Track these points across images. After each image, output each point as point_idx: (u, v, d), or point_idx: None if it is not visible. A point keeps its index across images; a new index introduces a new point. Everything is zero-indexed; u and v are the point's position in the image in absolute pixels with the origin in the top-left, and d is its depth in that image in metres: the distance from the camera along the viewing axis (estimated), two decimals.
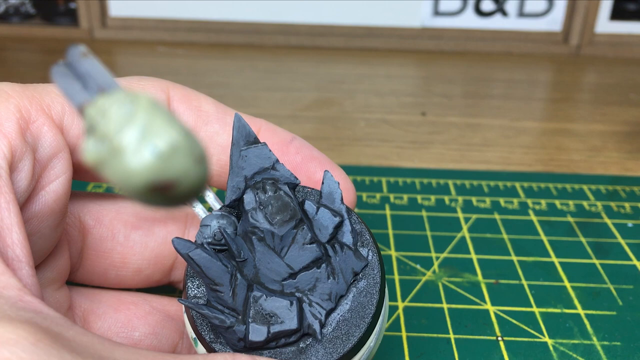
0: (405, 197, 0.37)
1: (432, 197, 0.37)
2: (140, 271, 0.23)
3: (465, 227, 0.34)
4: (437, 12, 0.66)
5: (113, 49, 0.66)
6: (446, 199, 0.37)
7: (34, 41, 0.67)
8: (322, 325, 0.18)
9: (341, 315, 0.18)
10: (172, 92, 0.21)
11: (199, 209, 0.19)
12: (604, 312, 0.28)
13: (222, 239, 0.18)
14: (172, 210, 0.23)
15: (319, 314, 0.18)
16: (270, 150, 0.19)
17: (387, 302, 0.20)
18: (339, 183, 0.19)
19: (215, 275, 0.18)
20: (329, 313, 0.18)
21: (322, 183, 0.19)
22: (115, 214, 0.22)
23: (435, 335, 0.26)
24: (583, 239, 0.33)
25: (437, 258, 0.31)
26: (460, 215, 0.35)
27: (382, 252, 0.31)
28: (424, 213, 0.35)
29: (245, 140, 0.19)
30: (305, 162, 0.22)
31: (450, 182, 0.39)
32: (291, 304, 0.18)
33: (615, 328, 0.27)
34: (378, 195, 0.37)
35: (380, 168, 0.41)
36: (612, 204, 0.37)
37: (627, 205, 0.37)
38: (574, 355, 0.25)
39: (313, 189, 0.20)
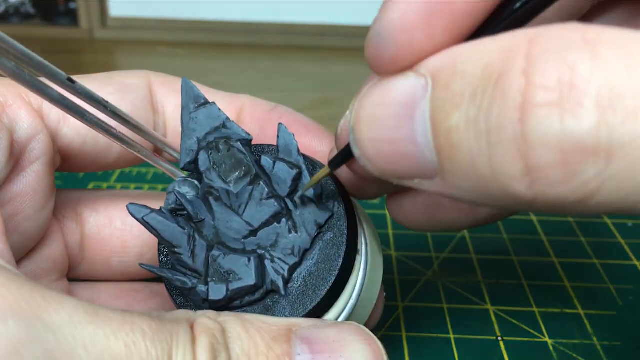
0: None
1: None
2: (142, 255, 0.23)
3: None
4: None
5: (113, 49, 0.66)
6: None
7: (34, 41, 0.67)
8: (286, 281, 0.18)
9: (307, 270, 0.18)
10: (153, 79, 0.22)
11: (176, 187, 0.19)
12: (604, 312, 0.28)
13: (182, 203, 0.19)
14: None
15: (281, 269, 0.18)
16: (219, 109, 0.19)
17: (371, 256, 0.19)
18: (293, 135, 0.18)
19: (172, 237, 0.18)
20: (293, 268, 0.18)
21: (277, 137, 0.19)
22: (110, 201, 0.23)
23: (435, 335, 0.26)
24: (583, 239, 0.33)
25: (437, 258, 0.31)
26: None
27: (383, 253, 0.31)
28: None
29: (194, 102, 0.19)
30: (288, 126, 0.22)
31: None
32: (249, 260, 0.17)
33: (615, 328, 0.27)
34: None
35: None
36: None
37: None
38: (574, 355, 0.25)
39: (269, 145, 0.19)
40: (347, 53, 0.65)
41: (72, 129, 0.20)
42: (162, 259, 0.19)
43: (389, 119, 0.13)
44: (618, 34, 0.11)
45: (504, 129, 0.11)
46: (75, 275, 0.23)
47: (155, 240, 0.22)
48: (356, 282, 0.18)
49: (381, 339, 0.26)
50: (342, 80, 0.58)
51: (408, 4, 0.13)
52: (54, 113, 0.20)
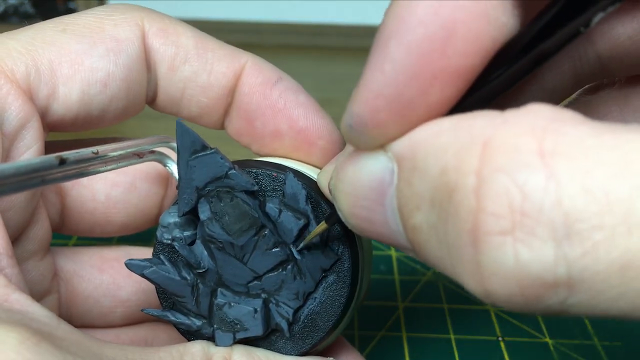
0: None
1: None
2: (126, 225, 0.22)
3: None
4: None
5: None
6: None
7: None
8: (290, 323, 0.18)
9: (310, 309, 0.18)
10: (148, 24, 0.20)
11: (173, 169, 0.19)
12: None
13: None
14: None
15: (286, 313, 0.18)
16: (222, 158, 0.17)
17: (365, 283, 0.19)
18: (302, 184, 0.17)
19: (176, 289, 0.18)
20: (297, 310, 0.18)
21: (285, 184, 0.18)
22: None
23: (435, 335, 0.26)
24: None
25: None
26: None
27: (381, 252, 0.31)
28: None
29: (191, 149, 0.17)
30: (288, 109, 0.20)
31: None
32: (255, 311, 0.17)
33: (615, 328, 0.27)
34: None
35: None
36: None
37: None
38: (575, 356, 0.25)
39: (274, 170, 0.18)
40: (346, 53, 0.65)
41: (63, 105, 0.19)
42: (161, 295, 0.18)
43: (362, 200, 0.13)
44: (580, 139, 0.10)
45: (461, 249, 0.11)
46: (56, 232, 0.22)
47: (141, 212, 0.22)
48: (351, 312, 0.19)
49: (381, 339, 0.26)
50: (342, 80, 0.58)
51: (378, 100, 0.12)
52: (42, 89, 0.18)
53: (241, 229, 0.17)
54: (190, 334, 0.18)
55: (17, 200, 0.18)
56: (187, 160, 0.17)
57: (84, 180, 0.21)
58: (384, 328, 0.26)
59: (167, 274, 0.17)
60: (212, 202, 0.17)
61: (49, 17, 0.21)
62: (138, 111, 0.21)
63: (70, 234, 0.22)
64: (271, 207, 0.17)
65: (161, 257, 0.18)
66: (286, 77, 0.21)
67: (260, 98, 0.20)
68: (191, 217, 0.18)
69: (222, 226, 0.17)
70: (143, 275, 0.17)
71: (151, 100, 0.21)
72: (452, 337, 0.26)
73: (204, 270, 0.18)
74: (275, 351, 0.18)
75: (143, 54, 0.20)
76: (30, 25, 0.19)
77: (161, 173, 0.22)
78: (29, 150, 0.18)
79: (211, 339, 0.18)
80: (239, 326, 0.17)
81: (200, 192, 0.17)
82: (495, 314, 0.27)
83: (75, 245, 0.32)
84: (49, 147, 0.19)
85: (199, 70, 0.20)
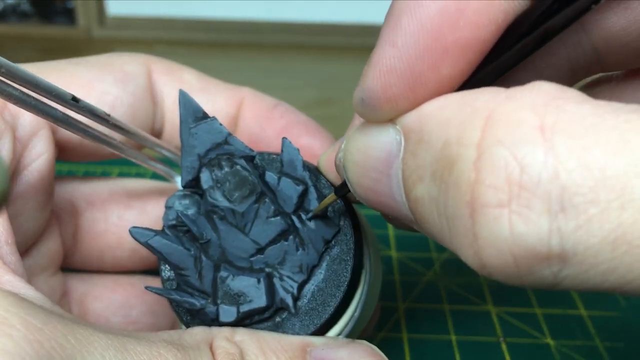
0: None
1: None
2: (137, 251, 0.22)
3: None
4: None
5: (111, 48, 0.65)
6: None
7: (32, 40, 0.67)
8: (296, 299, 0.17)
9: (315, 286, 0.17)
10: (154, 65, 0.21)
11: (179, 184, 0.19)
12: (607, 313, 0.27)
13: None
14: None
15: (290, 287, 0.17)
16: (221, 124, 0.18)
17: (374, 270, 0.19)
18: (298, 150, 0.18)
19: (178, 260, 0.18)
20: (302, 285, 0.17)
21: (282, 151, 0.18)
22: (107, 195, 0.22)
23: (436, 336, 0.26)
24: None
25: (438, 259, 0.31)
26: None
27: (382, 252, 0.31)
28: None
29: (193, 117, 0.18)
30: (289, 127, 0.21)
31: None
32: (258, 281, 0.17)
33: (617, 329, 0.26)
34: None
35: None
36: None
37: None
38: (577, 357, 0.25)
39: (272, 153, 0.19)
40: (346, 52, 0.65)
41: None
42: (164, 274, 0.18)
43: (370, 170, 0.14)
44: (581, 117, 0.10)
45: (459, 220, 0.11)
46: (66, 265, 0.22)
47: None
48: (360, 296, 0.18)
49: (382, 340, 0.26)
50: (341, 79, 0.58)
51: (390, 74, 0.12)
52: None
53: (242, 195, 0.18)
54: (193, 315, 0.18)
55: (28, 206, 0.19)
56: (189, 128, 0.18)
57: (97, 200, 0.22)
58: (384, 329, 0.26)
59: (170, 242, 0.17)
60: (213, 170, 0.18)
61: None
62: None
63: (81, 263, 0.23)
64: (270, 174, 0.18)
65: (165, 230, 0.18)
66: (283, 102, 0.23)
67: (263, 120, 0.21)
68: (195, 196, 0.18)
69: (224, 193, 0.18)
70: (147, 244, 0.17)
71: (158, 133, 0.22)
72: (453, 338, 0.26)
73: (206, 240, 0.18)
74: (282, 332, 0.17)
75: (149, 87, 0.21)
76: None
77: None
78: (40, 157, 0.19)
79: (215, 320, 0.17)
80: (242, 298, 0.17)
81: (202, 160, 0.18)
82: (497, 315, 0.27)
83: None
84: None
85: (203, 101, 0.21)
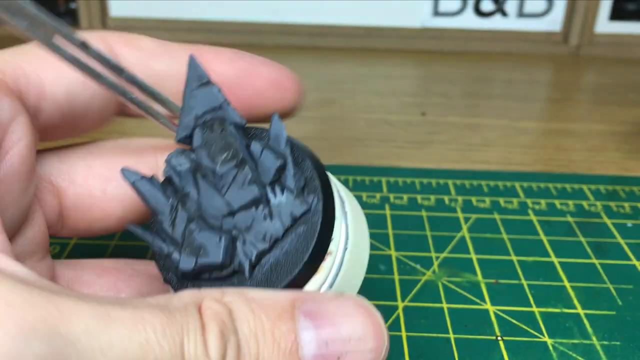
0: (405, 197, 0.37)
1: (432, 197, 0.37)
2: (124, 218, 0.23)
3: (465, 227, 0.34)
4: (437, 13, 0.66)
5: None
6: (446, 199, 0.37)
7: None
8: (253, 265, 0.18)
9: (275, 258, 0.18)
10: (112, 39, 0.22)
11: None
12: (604, 312, 0.28)
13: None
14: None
15: (249, 252, 0.18)
16: (219, 91, 0.20)
17: (354, 255, 0.19)
18: (285, 126, 0.19)
19: (156, 204, 0.19)
20: (262, 254, 0.18)
21: (270, 125, 0.19)
22: (87, 171, 0.22)
23: (434, 335, 0.26)
24: (583, 239, 0.33)
25: (437, 258, 0.31)
26: (460, 215, 0.35)
27: (381, 252, 0.31)
28: (423, 213, 0.35)
29: (197, 81, 0.20)
30: (258, 67, 0.22)
31: (450, 182, 0.39)
32: (220, 239, 0.18)
33: (614, 328, 0.27)
34: (378, 195, 0.37)
35: (380, 168, 0.41)
36: (612, 204, 0.37)
37: (626, 205, 0.37)
38: (574, 355, 0.25)
39: (266, 130, 0.20)
40: (347, 53, 0.65)
41: (52, 104, 0.20)
42: (150, 224, 0.20)
43: None
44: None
45: None
46: (56, 236, 0.23)
47: (138, 204, 0.23)
48: (323, 283, 0.19)
49: None
50: (342, 80, 0.58)
51: None
52: (32, 90, 0.19)
53: (225, 158, 0.19)
54: (161, 258, 0.19)
55: (12, 190, 0.19)
56: (191, 90, 0.20)
57: (79, 177, 0.22)
58: None
59: (153, 188, 0.19)
60: (204, 131, 0.19)
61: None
62: (116, 111, 0.23)
63: (70, 234, 0.23)
64: (255, 145, 0.19)
65: (154, 177, 0.19)
66: (238, 50, 0.24)
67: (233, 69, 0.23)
68: (191, 154, 0.19)
69: (208, 153, 0.19)
70: (133, 184, 0.19)
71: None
72: (452, 336, 0.26)
73: (185, 193, 0.19)
74: None
75: (113, 58, 0.21)
76: (10, 48, 0.21)
77: (151, 167, 0.23)
78: (21, 141, 0.19)
79: (177, 267, 0.18)
80: (202, 251, 0.18)
81: (197, 120, 0.19)
82: (495, 314, 0.27)
83: (75, 250, 0.32)
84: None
85: (169, 63, 0.22)
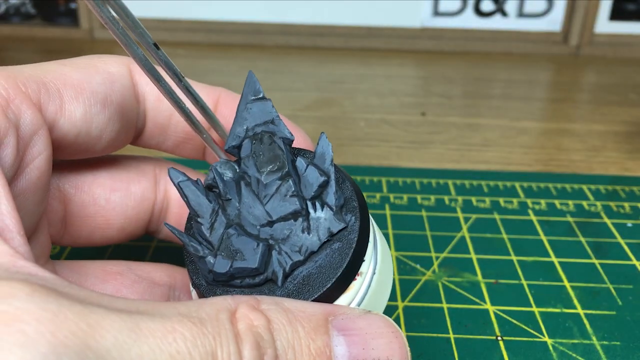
0: (405, 197, 0.37)
1: (432, 197, 0.37)
2: (124, 229, 0.24)
3: (465, 227, 0.34)
4: (437, 13, 0.66)
5: (113, 49, 0.66)
6: (446, 199, 0.37)
7: (35, 41, 0.67)
8: (286, 275, 0.18)
9: (308, 270, 0.18)
10: (133, 66, 0.22)
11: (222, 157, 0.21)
12: (604, 312, 0.28)
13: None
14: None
15: (284, 262, 0.18)
16: (273, 107, 0.20)
17: (381, 275, 0.20)
18: (331, 145, 0.19)
19: (198, 207, 0.19)
20: (296, 265, 0.18)
21: (317, 144, 0.20)
22: (93, 179, 0.23)
23: (435, 335, 0.26)
24: (582, 239, 0.33)
25: (437, 258, 0.31)
26: (460, 215, 0.35)
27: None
28: (423, 213, 0.35)
29: (253, 95, 0.20)
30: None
31: (450, 182, 0.39)
32: (257, 245, 0.18)
33: (614, 328, 0.27)
34: (378, 195, 0.37)
35: (380, 168, 0.41)
36: (612, 204, 0.37)
37: (626, 205, 0.37)
38: (574, 355, 0.25)
39: (311, 151, 0.20)
40: (346, 53, 0.65)
41: (68, 121, 0.20)
42: (188, 225, 0.20)
43: None
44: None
45: None
46: (57, 244, 0.23)
47: (137, 215, 0.24)
48: (354, 295, 0.19)
49: None
50: (342, 80, 0.58)
51: None
52: (51, 105, 0.20)
53: (271, 169, 0.19)
54: (192, 262, 0.20)
55: (28, 202, 0.19)
56: (246, 102, 0.20)
57: (85, 185, 0.23)
58: None
59: (196, 190, 0.19)
60: (254, 142, 0.20)
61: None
62: (128, 140, 0.23)
63: (70, 243, 0.23)
64: (300, 161, 0.19)
65: (198, 181, 0.20)
66: None
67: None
68: (234, 166, 0.20)
69: (255, 163, 0.19)
70: (177, 186, 0.19)
71: (140, 130, 0.23)
72: (452, 336, 0.26)
73: (228, 199, 0.19)
74: None
75: (133, 87, 0.22)
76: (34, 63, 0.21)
77: (148, 178, 0.24)
78: (40, 155, 0.19)
79: (211, 270, 0.18)
80: (238, 255, 0.18)
81: (247, 132, 0.20)
82: (495, 314, 0.27)
83: (75, 250, 0.32)
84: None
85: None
